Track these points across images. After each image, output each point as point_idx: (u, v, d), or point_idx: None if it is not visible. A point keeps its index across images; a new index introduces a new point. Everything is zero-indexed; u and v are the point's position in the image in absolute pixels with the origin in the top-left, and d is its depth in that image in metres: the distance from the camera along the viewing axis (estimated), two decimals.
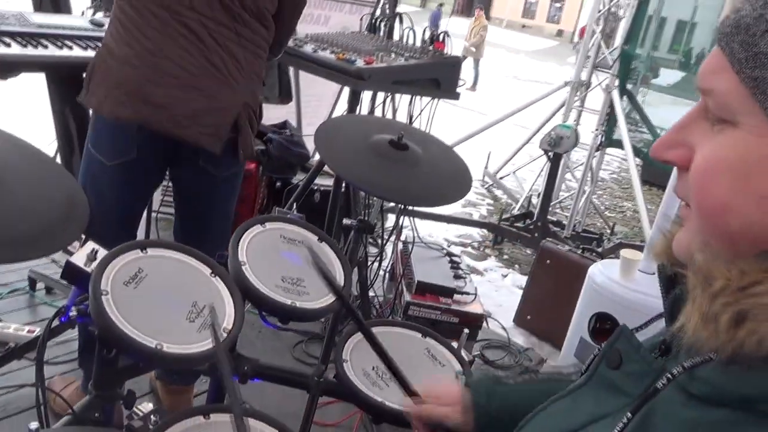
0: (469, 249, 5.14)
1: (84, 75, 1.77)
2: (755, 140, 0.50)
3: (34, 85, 2.61)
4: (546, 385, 0.85)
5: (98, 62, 1.71)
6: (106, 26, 1.79)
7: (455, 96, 2.62)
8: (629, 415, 0.55)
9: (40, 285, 2.70)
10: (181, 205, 1.98)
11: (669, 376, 0.54)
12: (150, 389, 2.29)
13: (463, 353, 1.51)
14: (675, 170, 0.60)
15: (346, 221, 1.64)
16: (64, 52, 2.16)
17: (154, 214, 2.75)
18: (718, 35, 0.53)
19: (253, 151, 1.82)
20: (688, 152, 0.55)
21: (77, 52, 2.20)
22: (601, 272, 2.67)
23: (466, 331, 1.46)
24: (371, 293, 3.06)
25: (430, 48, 2.65)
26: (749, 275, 0.50)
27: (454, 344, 1.51)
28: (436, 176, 1.53)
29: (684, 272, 0.56)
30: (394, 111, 3.28)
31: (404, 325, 1.54)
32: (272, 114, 4.08)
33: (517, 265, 4.98)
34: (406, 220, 3.28)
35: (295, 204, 2.74)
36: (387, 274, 3.23)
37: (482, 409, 0.85)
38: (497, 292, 4.43)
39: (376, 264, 3.07)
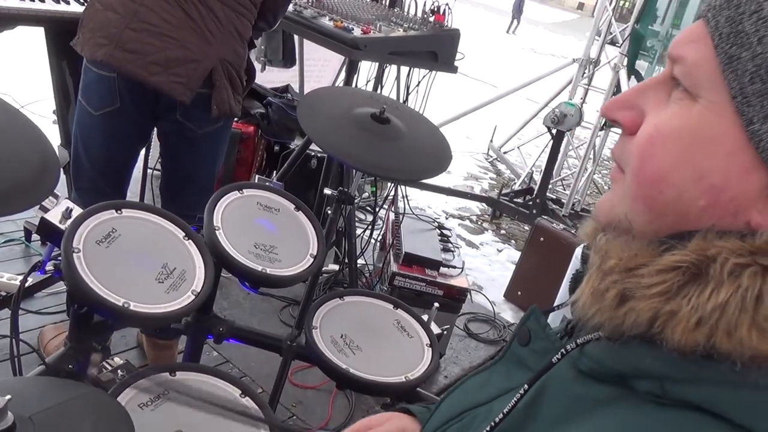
0: (467, 222, 5.15)
1: None
2: (711, 117, 0.50)
3: (34, 39, 2.62)
4: None
5: (88, 7, 1.80)
6: None
7: (452, 69, 2.61)
8: (526, 387, 0.59)
9: (35, 236, 2.75)
10: (165, 161, 2.04)
11: (563, 351, 0.57)
12: (137, 343, 2.35)
13: (433, 326, 1.54)
14: None
15: (326, 191, 1.66)
16: (61, 7, 2.17)
17: (150, 171, 2.79)
18: (707, 7, 0.53)
19: (230, 108, 1.85)
20: (638, 116, 0.55)
21: (74, 7, 2.21)
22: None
23: (436, 304, 1.48)
24: (362, 261, 3.10)
25: (431, 20, 2.63)
26: (639, 258, 0.52)
27: (425, 317, 1.55)
28: (416, 151, 1.54)
29: None
30: (397, 80, 3.26)
31: (377, 296, 1.58)
32: (276, 77, 4.06)
33: (513, 241, 4.99)
34: (403, 191, 3.29)
35: (276, 172, 2.76)
36: (378, 244, 3.26)
37: (423, 415, 0.86)
38: (491, 266, 4.46)
39: (370, 232, 3.10)
